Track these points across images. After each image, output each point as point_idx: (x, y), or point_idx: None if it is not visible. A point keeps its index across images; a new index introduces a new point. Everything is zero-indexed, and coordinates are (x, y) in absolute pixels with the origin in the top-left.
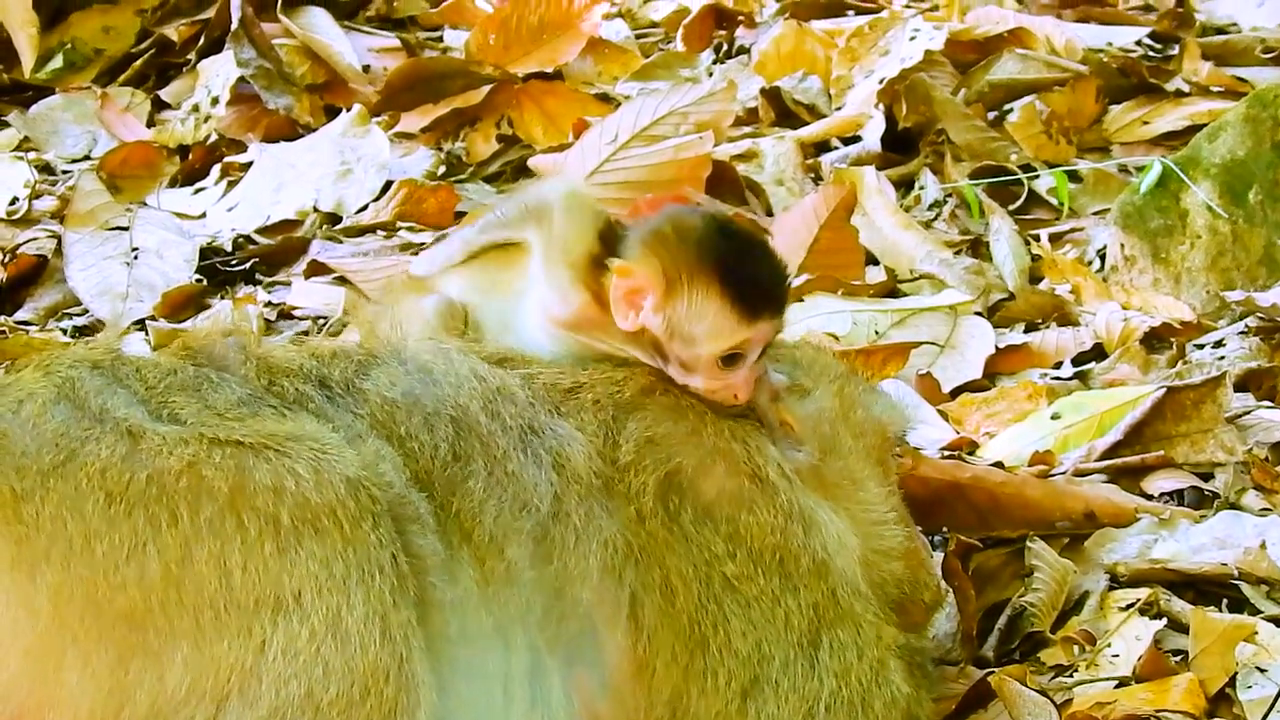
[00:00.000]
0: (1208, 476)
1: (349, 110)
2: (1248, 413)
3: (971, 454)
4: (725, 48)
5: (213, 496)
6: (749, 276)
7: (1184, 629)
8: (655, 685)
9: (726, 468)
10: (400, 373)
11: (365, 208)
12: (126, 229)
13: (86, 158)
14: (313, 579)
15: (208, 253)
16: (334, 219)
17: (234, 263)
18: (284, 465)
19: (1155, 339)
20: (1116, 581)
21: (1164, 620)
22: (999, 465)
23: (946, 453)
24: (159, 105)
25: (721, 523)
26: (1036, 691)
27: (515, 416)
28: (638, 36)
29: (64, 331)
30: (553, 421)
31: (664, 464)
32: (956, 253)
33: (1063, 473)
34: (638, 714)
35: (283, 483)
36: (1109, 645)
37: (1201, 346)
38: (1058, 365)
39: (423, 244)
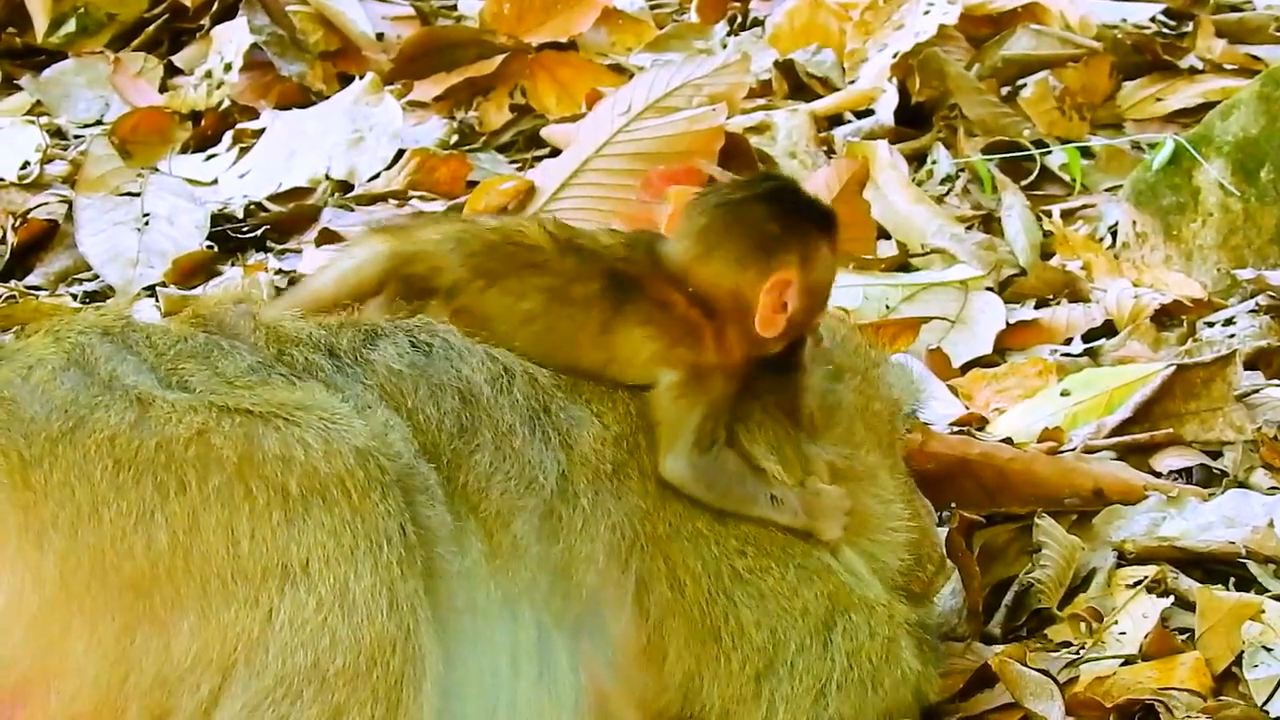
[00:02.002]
0: (1216, 455)
1: (362, 78)
2: (1257, 391)
3: (981, 430)
4: (739, 20)
5: (221, 465)
6: (827, 210)
7: (1191, 607)
8: (668, 669)
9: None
10: (406, 345)
11: (377, 176)
12: (138, 195)
13: (99, 123)
14: (320, 548)
15: (219, 219)
16: (346, 187)
17: (245, 230)
18: (293, 434)
19: (1166, 316)
20: (1124, 559)
21: (1171, 598)
22: (1008, 441)
23: (956, 428)
24: (172, 71)
25: (730, 518)
26: (1039, 671)
27: (525, 395)
28: (652, 7)
29: (74, 297)
30: (566, 404)
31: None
32: (968, 228)
33: (1072, 449)
34: (646, 694)
35: (291, 452)
36: (1116, 623)
37: (1212, 324)
38: (1068, 342)
39: (434, 213)
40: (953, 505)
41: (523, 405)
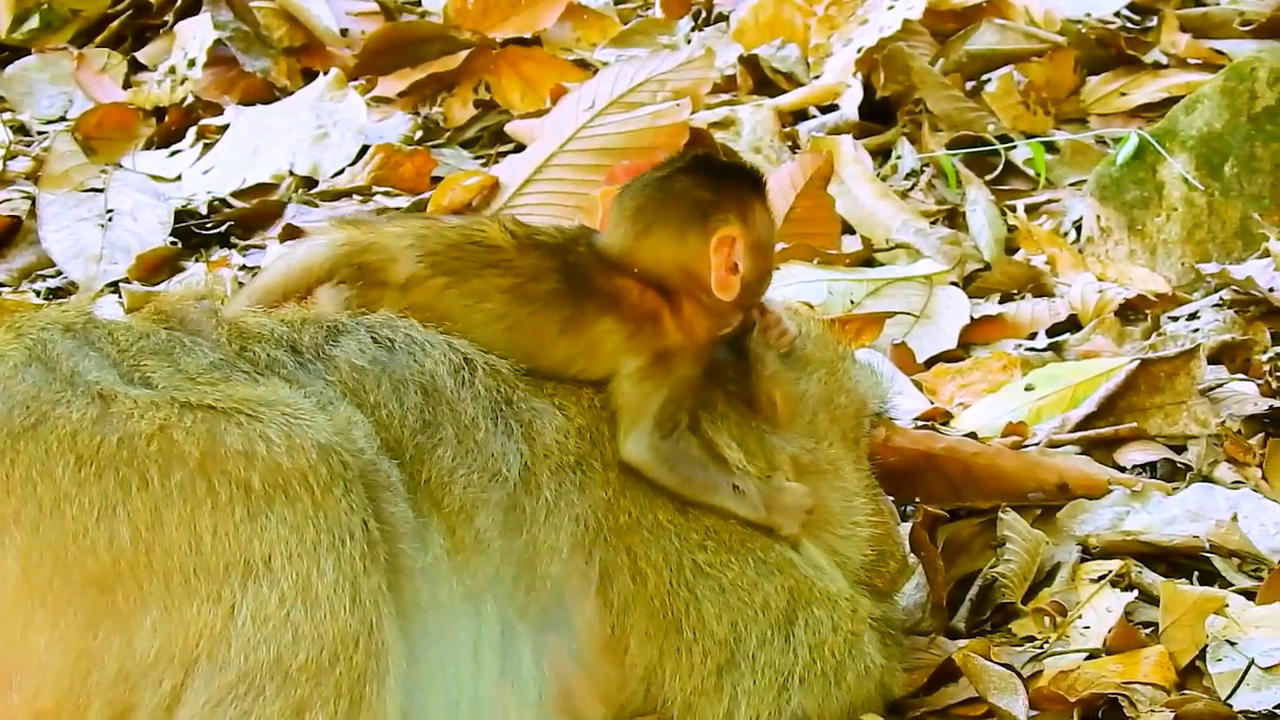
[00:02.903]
0: (1180, 449)
1: (326, 74)
2: (1221, 385)
3: (945, 424)
4: (704, 15)
5: (184, 461)
6: (753, 170)
7: (1155, 601)
8: (629, 661)
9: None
10: (368, 340)
11: (341, 172)
12: (101, 191)
13: (62, 119)
14: (283, 544)
15: (182, 215)
16: (310, 183)
17: (209, 226)
18: (255, 430)
19: (1130, 311)
20: (1088, 553)
21: (1135, 592)
22: (972, 436)
23: (920, 423)
24: (135, 67)
25: (691, 511)
26: (1003, 666)
27: (488, 387)
28: (616, 3)
29: (37, 293)
30: (528, 396)
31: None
32: (933, 222)
33: (1036, 444)
34: (610, 688)
35: (254, 447)
36: (1080, 617)
37: (1176, 319)
38: (1032, 336)
39: (398, 208)
40: (917, 500)
41: (485, 398)
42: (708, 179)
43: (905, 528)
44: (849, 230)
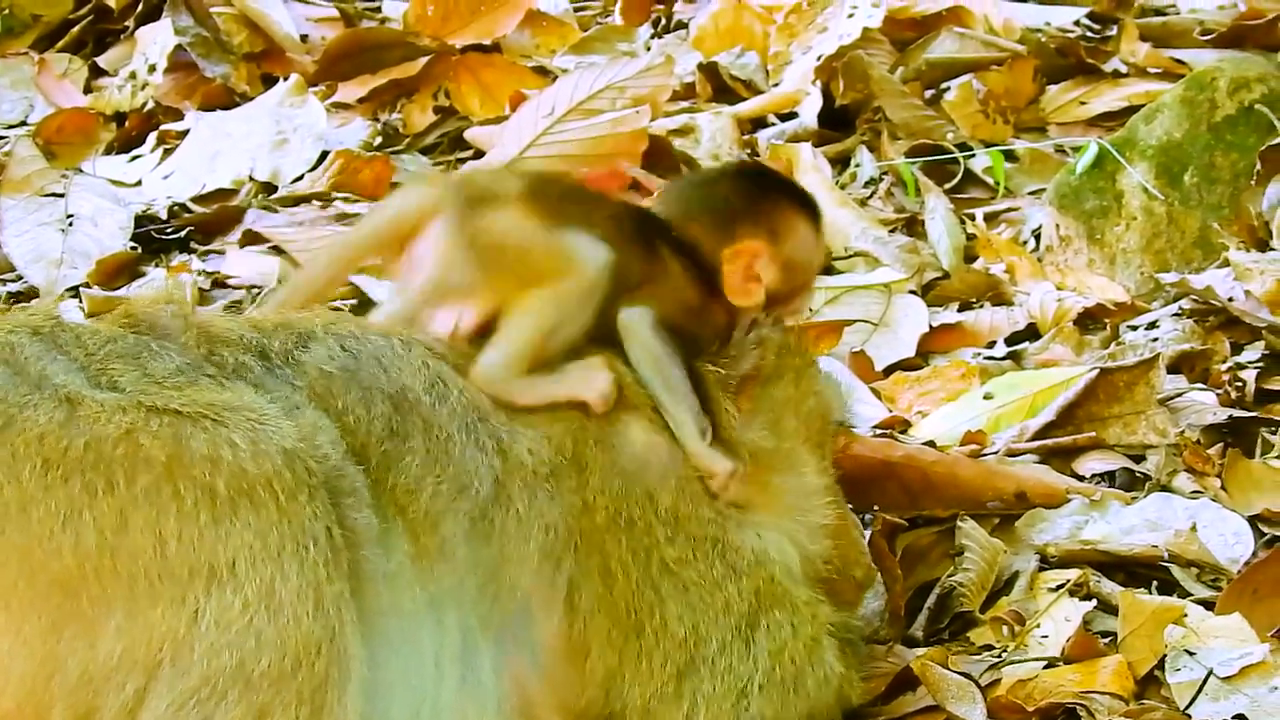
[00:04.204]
0: (1139, 458)
1: (286, 80)
2: (1180, 395)
3: (904, 433)
4: (663, 22)
5: (149, 465)
6: (804, 192)
7: (1113, 610)
8: (589, 667)
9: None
10: (338, 349)
11: (301, 178)
12: (62, 195)
13: (23, 123)
14: (247, 549)
15: (143, 220)
16: (270, 188)
17: (169, 231)
18: (221, 435)
19: (1089, 320)
20: (1047, 562)
21: (1094, 601)
22: (931, 444)
23: (879, 431)
24: (96, 72)
25: (663, 510)
26: (960, 674)
27: (461, 403)
28: (576, 10)
29: None
30: (502, 412)
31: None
32: (891, 230)
33: (994, 453)
34: (570, 695)
35: (219, 452)
36: (1038, 626)
37: (1135, 328)
38: (991, 345)
39: (358, 214)
40: (875, 508)
41: (459, 411)
42: (749, 189)
43: (865, 536)
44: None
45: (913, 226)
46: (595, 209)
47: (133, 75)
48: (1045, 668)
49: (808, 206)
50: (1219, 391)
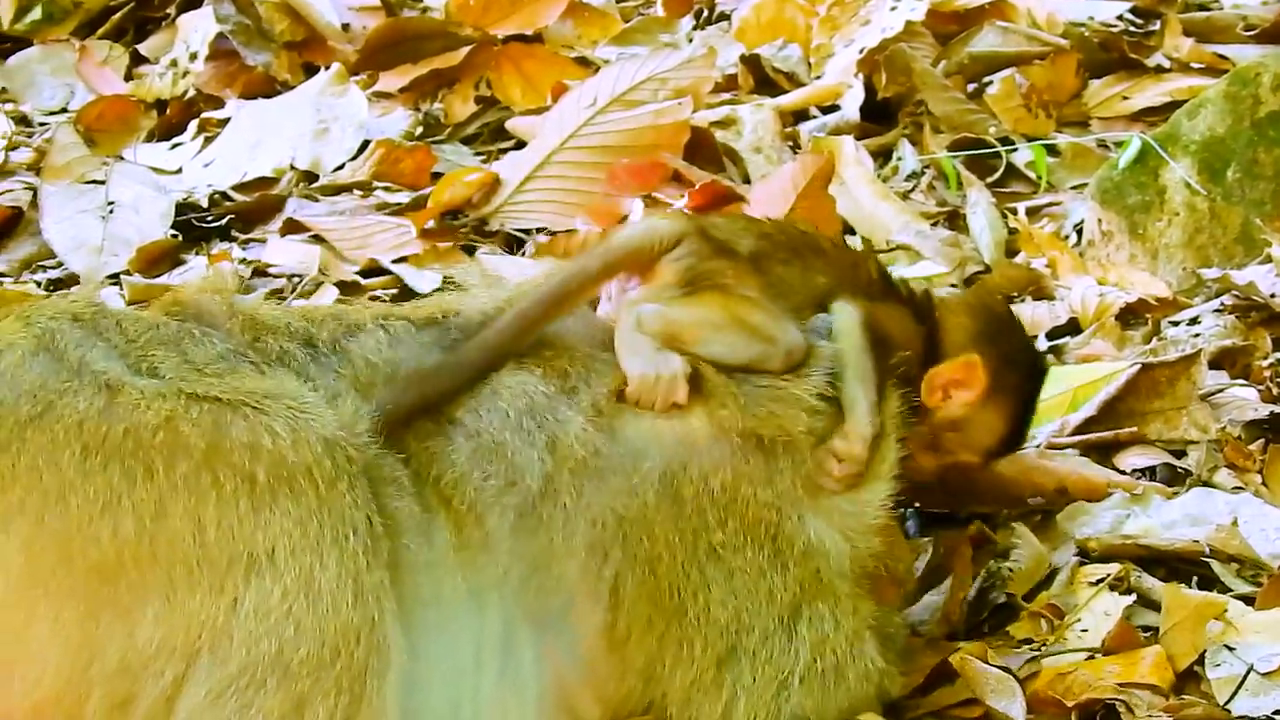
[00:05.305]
0: (1180, 454)
1: (327, 69)
2: (1221, 390)
3: None
4: (705, 14)
5: (189, 452)
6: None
7: (1154, 605)
8: (629, 654)
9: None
10: (386, 339)
11: (342, 167)
12: (103, 183)
13: (64, 110)
14: (286, 537)
15: (183, 208)
16: (310, 177)
17: (209, 219)
18: (261, 423)
19: (1130, 315)
20: (1087, 556)
21: (1134, 596)
22: None
23: None
24: (137, 59)
25: (716, 492)
26: (999, 668)
27: (511, 391)
28: (618, 1)
29: (38, 284)
30: (552, 399)
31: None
32: (933, 224)
33: (1036, 447)
34: (610, 684)
35: (259, 440)
36: (1078, 620)
37: (1177, 323)
38: (1033, 339)
39: (399, 204)
40: (916, 505)
41: (506, 401)
42: (1000, 328)
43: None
44: (850, 231)
45: (954, 220)
46: (817, 271)
47: (174, 63)
48: (1085, 659)
49: (1035, 374)
50: (1260, 387)
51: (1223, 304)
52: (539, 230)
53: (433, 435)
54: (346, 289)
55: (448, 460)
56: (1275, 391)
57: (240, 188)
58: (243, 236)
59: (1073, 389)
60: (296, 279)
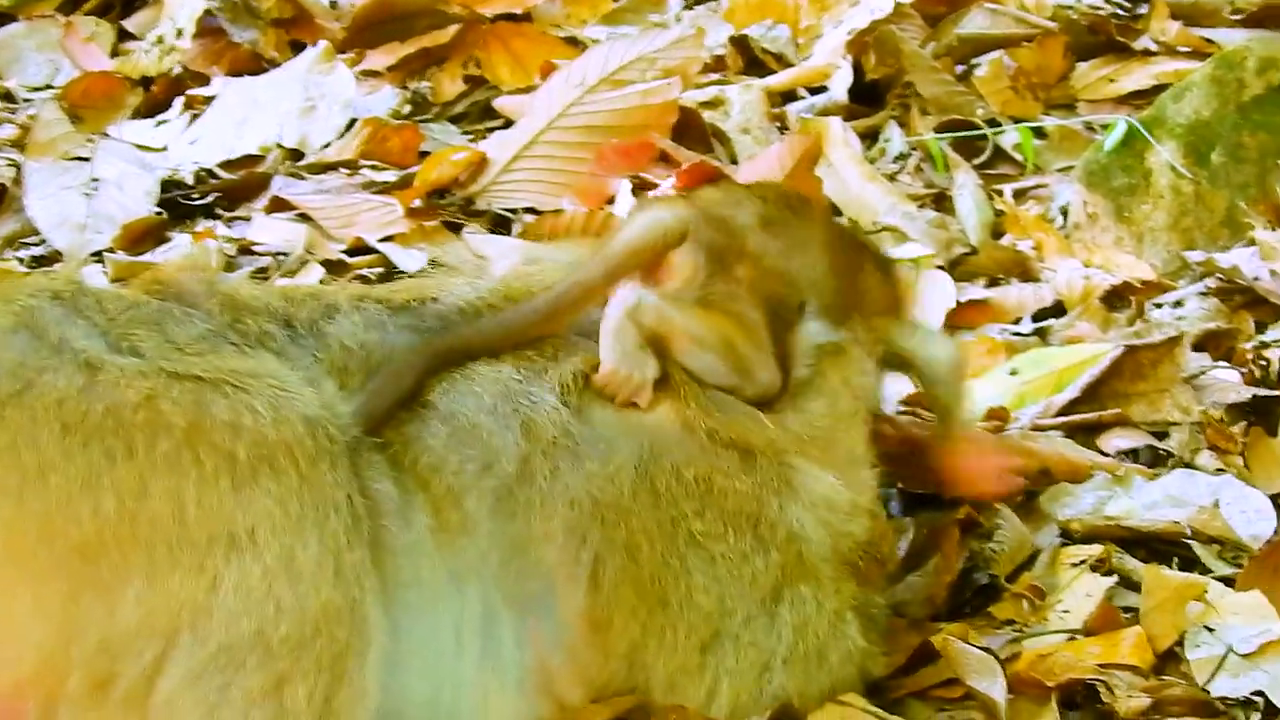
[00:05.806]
0: (1163, 435)
1: (314, 46)
2: (1204, 373)
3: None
4: None
5: (169, 431)
6: None
7: (1135, 587)
8: (612, 639)
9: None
10: (362, 323)
11: (329, 145)
12: (87, 159)
13: (48, 86)
14: (268, 517)
15: (168, 186)
16: (297, 155)
17: (195, 197)
18: (242, 401)
19: (1115, 297)
20: (1069, 538)
21: (1115, 577)
22: None
23: (904, 407)
24: (123, 35)
25: (694, 484)
26: (981, 649)
27: (486, 375)
28: None
29: (21, 261)
30: (527, 382)
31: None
32: (920, 206)
33: (1019, 428)
34: (593, 668)
35: (240, 419)
36: (1060, 601)
37: (1161, 306)
38: (1017, 321)
39: (386, 182)
40: (899, 485)
41: (480, 385)
42: None
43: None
44: (837, 212)
45: (941, 202)
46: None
47: (160, 40)
48: (1067, 640)
49: None
50: (1243, 370)
51: (1207, 287)
52: (526, 209)
53: (408, 420)
54: (332, 267)
55: (424, 444)
56: (1258, 374)
57: (226, 165)
58: (228, 214)
59: (1057, 370)
60: (282, 257)
